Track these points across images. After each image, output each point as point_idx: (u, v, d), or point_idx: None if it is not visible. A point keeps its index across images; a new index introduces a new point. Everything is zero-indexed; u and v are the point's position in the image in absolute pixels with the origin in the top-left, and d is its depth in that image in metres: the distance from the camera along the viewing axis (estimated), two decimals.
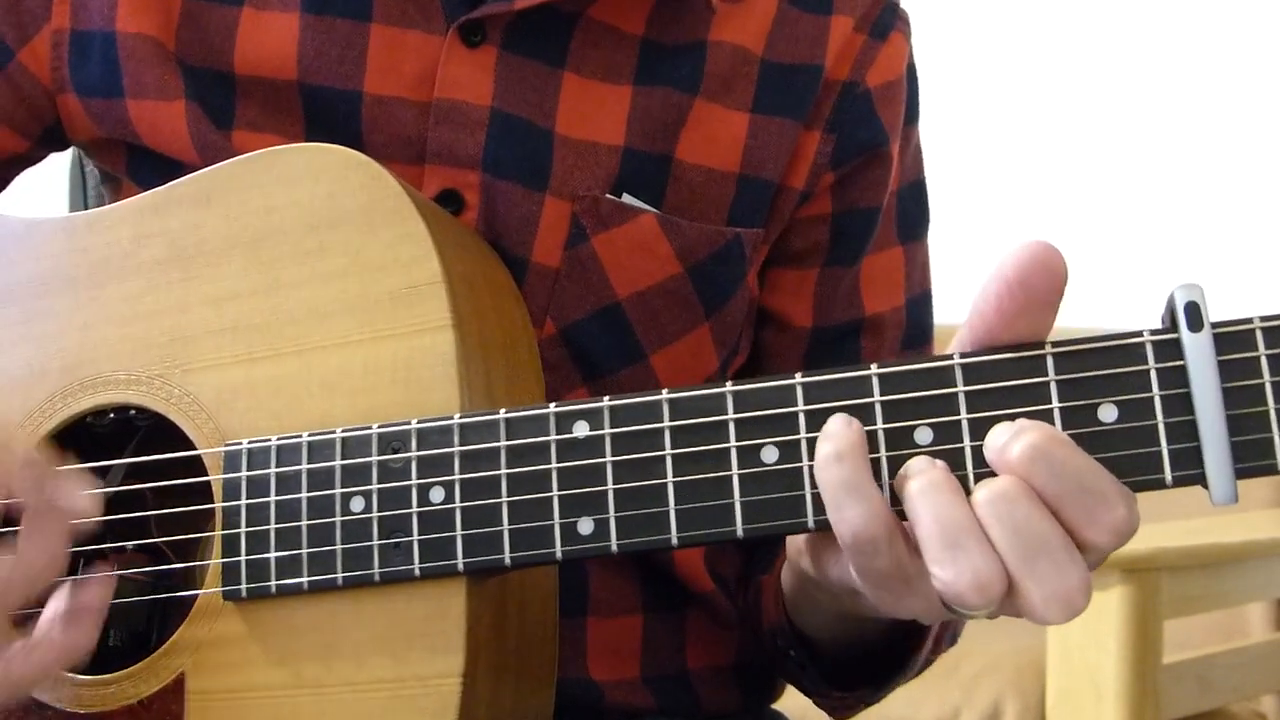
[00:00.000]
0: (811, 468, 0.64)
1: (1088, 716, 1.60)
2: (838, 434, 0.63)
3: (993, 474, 0.62)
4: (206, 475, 0.75)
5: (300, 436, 0.73)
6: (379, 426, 0.71)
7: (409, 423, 0.71)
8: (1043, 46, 2.94)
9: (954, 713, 1.92)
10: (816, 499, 0.64)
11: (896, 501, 0.63)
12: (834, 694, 0.90)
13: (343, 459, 0.71)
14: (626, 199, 0.88)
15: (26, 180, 0.97)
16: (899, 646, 0.84)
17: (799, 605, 0.85)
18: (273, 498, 0.73)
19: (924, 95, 1.00)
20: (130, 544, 0.80)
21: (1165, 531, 1.79)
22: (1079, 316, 0.64)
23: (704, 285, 0.90)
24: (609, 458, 0.67)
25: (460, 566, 0.69)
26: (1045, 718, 1.68)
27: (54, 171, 1.11)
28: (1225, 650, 1.89)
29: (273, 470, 0.73)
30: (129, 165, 0.91)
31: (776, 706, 1.02)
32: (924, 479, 0.61)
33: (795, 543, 0.73)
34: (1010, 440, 0.60)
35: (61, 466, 0.78)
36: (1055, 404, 0.62)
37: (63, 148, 0.96)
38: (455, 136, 0.86)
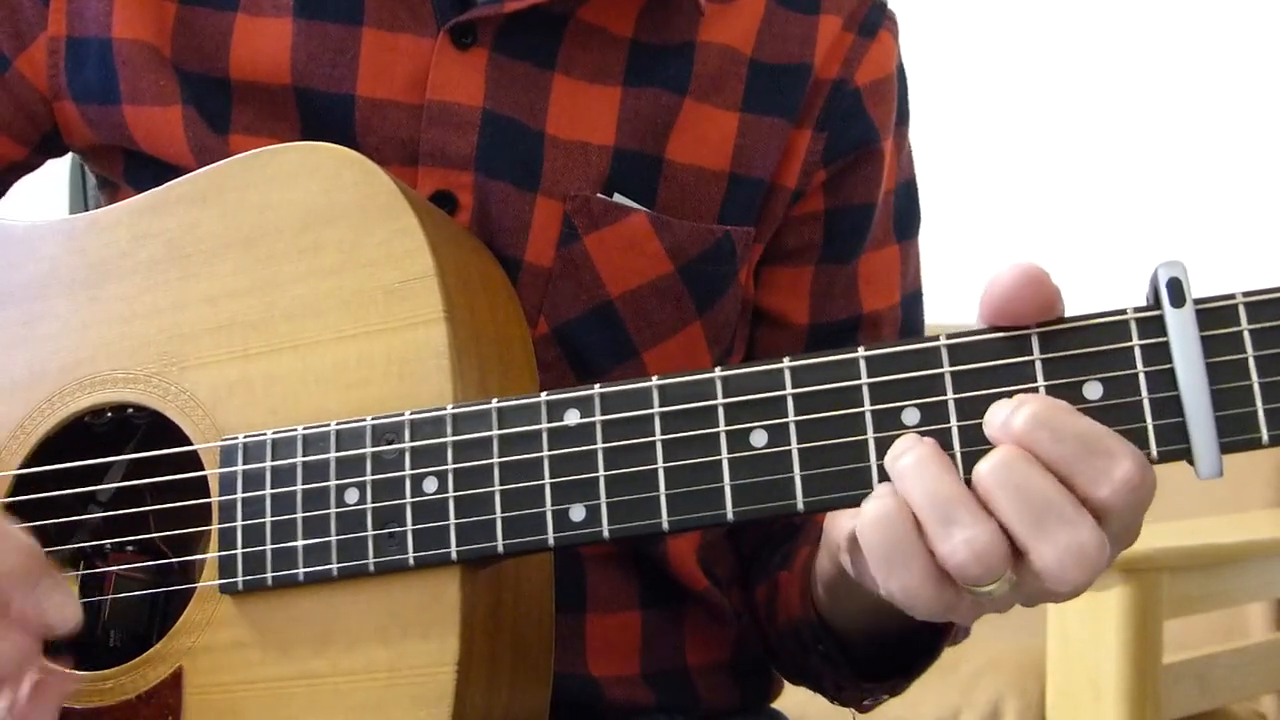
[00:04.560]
0: (800, 450, 0.65)
1: (1087, 716, 1.59)
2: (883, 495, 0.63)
3: (985, 452, 0.62)
4: (203, 470, 0.75)
5: (295, 430, 0.73)
6: (373, 418, 0.72)
7: (402, 414, 0.71)
8: (1027, 46, 2.96)
9: (954, 713, 1.91)
10: (805, 481, 0.65)
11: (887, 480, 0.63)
12: (863, 685, 0.90)
13: (337, 451, 0.72)
14: (618, 198, 0.89)
15: (28, 184, 0.98)
16: (923, 634, 0.84)
17: (835, 599, 0.85)
18: (268, 491, 0.73)
19: (911, 95, 1.01)
20: (129, 539, 0.80)
21: (1165, 531, 1.79)
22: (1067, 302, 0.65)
23: (695, 283, 0.90)
24: (600, 444, 0.68)
25: (454, 555, 0.69)
26: (1045, 718, 1.68)
27: (55, 175, 1.12)
28: (1225, 650, 1.89)
29: (268, 464, 0.73)
30: (126, 171, 0.92)
31: (775, 705, 1.02)
32: (912, 456, 0.62)
33: (835, 540, 0.72)
34: (1011, 413, 0.61)
35: (60, 467, 0.79)
36: (1040, 382, 0.62)
37: (61, 154, 0.97)
38: (447, 138, 0.87)
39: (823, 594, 0.85)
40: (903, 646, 0.86)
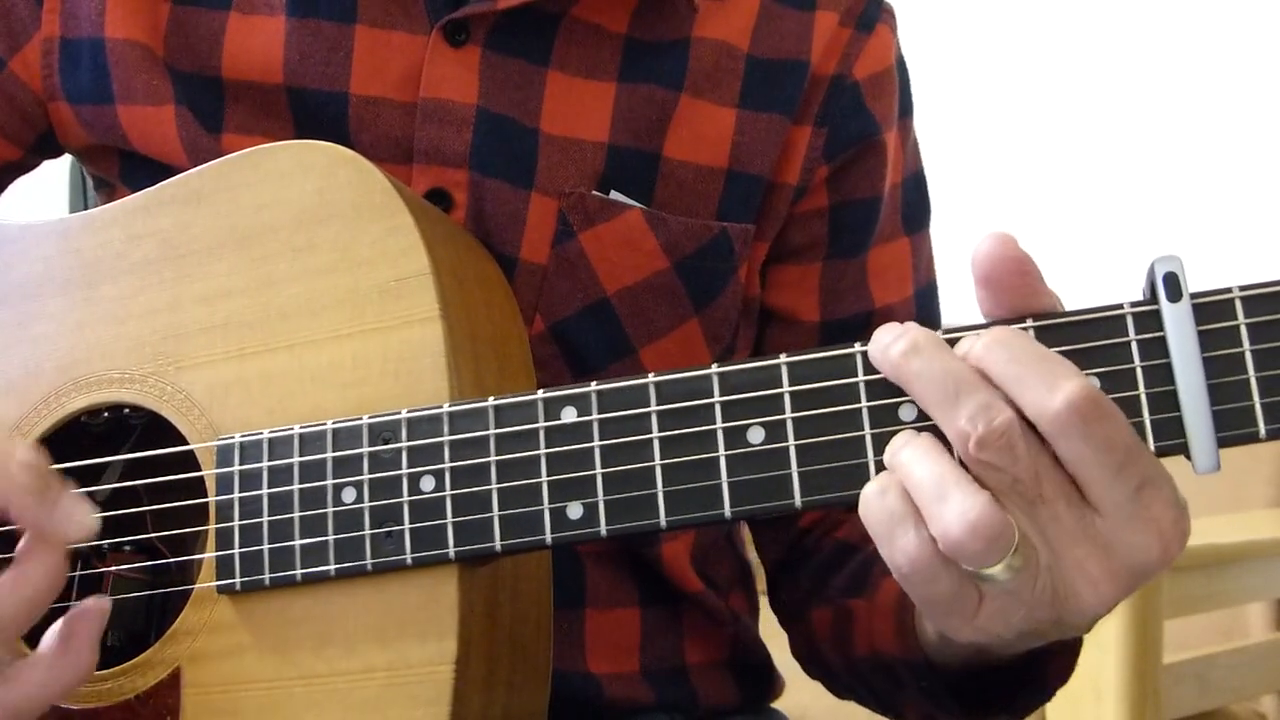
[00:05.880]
0: (797, 447, 0.65)
1: (1088, 716, 1.59)
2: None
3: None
4: (200, 470, 0.75)
5: (292, 429, 0.73)
6: (369, 417, 0.72)
7: (399, 413, 0.71)
8: (1025, 44, 2.96)
9: None
10: (803, 478, 0.65)
11: None
12: None
13: (334, 450, 0.72)
14: (614, 195, 0.88)
15: (27, 185, 0.98)
16: (1029, 669, 0.80)
17: (948, 644, 0.79)
18: (265, 490, 0.73)
19: (915, 89, 1.01)
20: (126, 539, 0.80)
21: None
22: (1064, 297, 0.65)
23: (692, 280, 0.90)
24: (596, 442, 0.67)
25: (451, 554, 0.69)
26: (1045, 718, 1.68)
27: (54, 176, 1.11)
28: (1225, 650, 1.88)
29: (265, 463, 0.73)
30: (122, 171, 0.92)
31: (776, 705, 1.02)
32: (913, 448, 0.62)
33: None
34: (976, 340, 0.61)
35: (58, 466, 0.79)
36: None
37: (56, 155, 0.97)
38: (442, 135, 0.86)
39: (934, 639, 0.79)
40: (1005, 683, 0.81)
